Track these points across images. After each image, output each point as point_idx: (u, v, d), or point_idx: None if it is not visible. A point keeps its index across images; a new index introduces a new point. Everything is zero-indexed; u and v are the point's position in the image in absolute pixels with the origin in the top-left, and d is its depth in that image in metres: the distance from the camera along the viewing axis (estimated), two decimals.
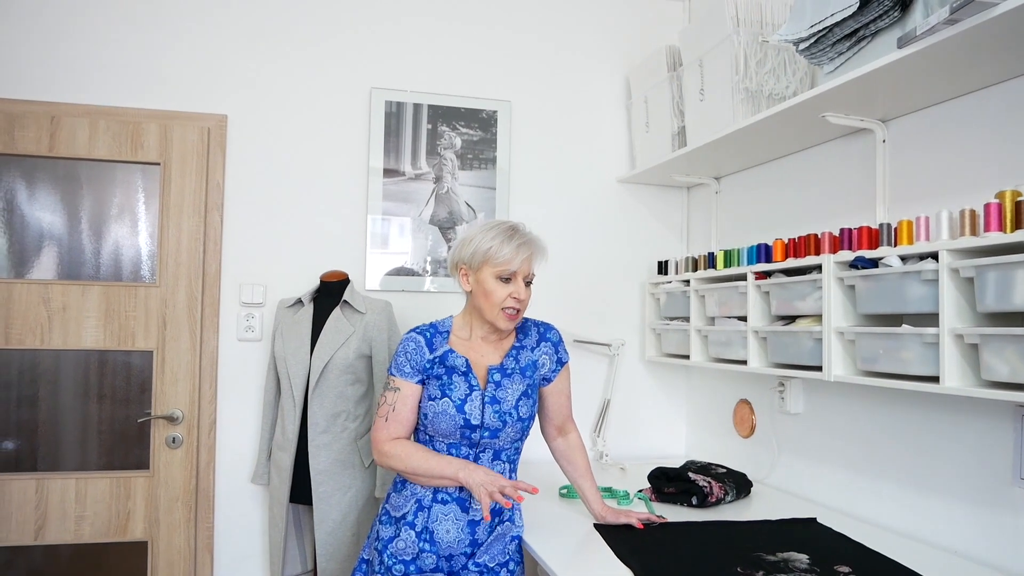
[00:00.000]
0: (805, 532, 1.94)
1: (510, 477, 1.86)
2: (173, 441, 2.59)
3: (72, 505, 2.52)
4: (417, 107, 2.85)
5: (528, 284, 1.81)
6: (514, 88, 2.98)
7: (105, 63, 2.59)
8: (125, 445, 2.59)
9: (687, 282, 2.64)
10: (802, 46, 1.91)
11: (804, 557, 1.72)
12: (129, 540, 2.56)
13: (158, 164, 2.61)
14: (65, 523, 2.51)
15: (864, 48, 1.78)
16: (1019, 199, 1.47)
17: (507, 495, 1.67)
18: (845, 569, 1.64)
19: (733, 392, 2.78)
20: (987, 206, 1.51)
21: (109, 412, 2.58)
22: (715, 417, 2.90)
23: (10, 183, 2.52)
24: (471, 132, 2.90)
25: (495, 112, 2.93)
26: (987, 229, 1.51)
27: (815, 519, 2.06)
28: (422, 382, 1.81)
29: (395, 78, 2.85)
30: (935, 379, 1.60)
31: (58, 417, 2.54)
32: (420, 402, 1.82)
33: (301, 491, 2.38)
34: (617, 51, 3.10)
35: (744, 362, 2.29)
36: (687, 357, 2.65)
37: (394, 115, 2.82)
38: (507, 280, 1.77)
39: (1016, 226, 1.46)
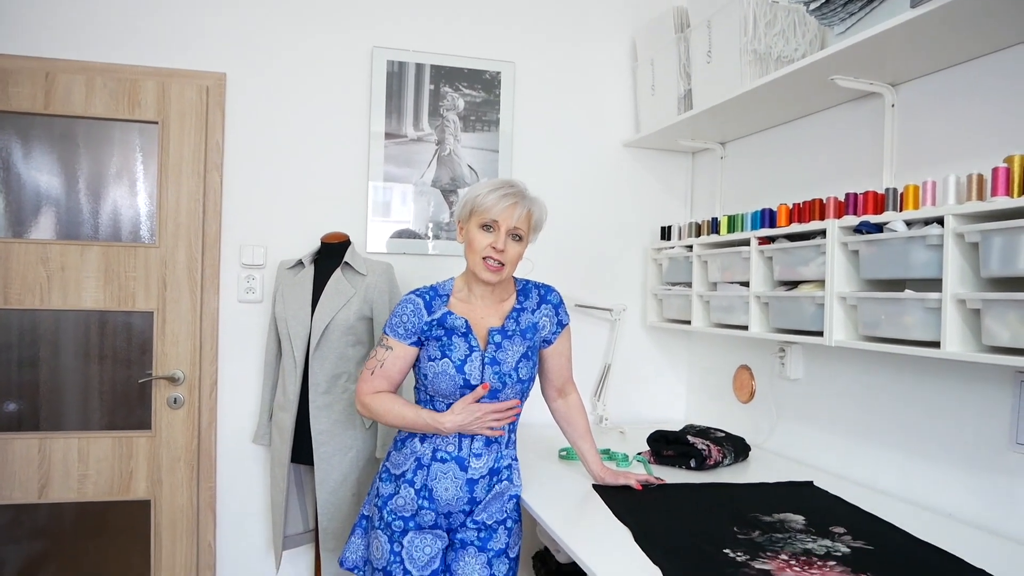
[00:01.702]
0: (801, 495, 1.95)
1: (509, 439, 1.87)
2: (174, 402, 2.60)
3: (75, 464, 2.53)
4: (419, 67, 2.81)
5: (517, 239, 1.79)
6: (518, 49, 2.93)
7: (101, 18, 2.55)
8: (127, 405, 2.60)
9: (690, 247, 2.63)
10: (812, 6, 1.87)
11: (800, 518, 1.73)
12: (132, 499, 2.59)
13: (156, 123, 2.58)
14: (68, 482, 2.53)
15: (876, 8, 1.75)
16: None
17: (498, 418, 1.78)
18: (840, 530, 1.65)
19: (733, 358, 2.78)
20: (995, 171, 1.49)
21: (110, 372, 2.59)
22: (715, 382, 2.91)
23: (5, 141, 2.49)
24: (474, 93, 2.87)
25: (498, 73, 2.89)
26: (995, 194, 1.49)
27: (812, 483, 2.08)
28: (418, 344, 1.81)
29: (397, 37, 2.81)
30: (936, 344, 1.60)
31: (59, 377, 2.55)
32: (419, 363, 1.82)
33: (302, 451, 2.39)
34: (623, 12, 3.05)
35: (745, 327, 2.29)
36: (688, 323, 2.64)
37: (396, 75, 2.79)
38: (489, 229, 1.77)
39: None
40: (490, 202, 1.76)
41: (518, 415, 1.88)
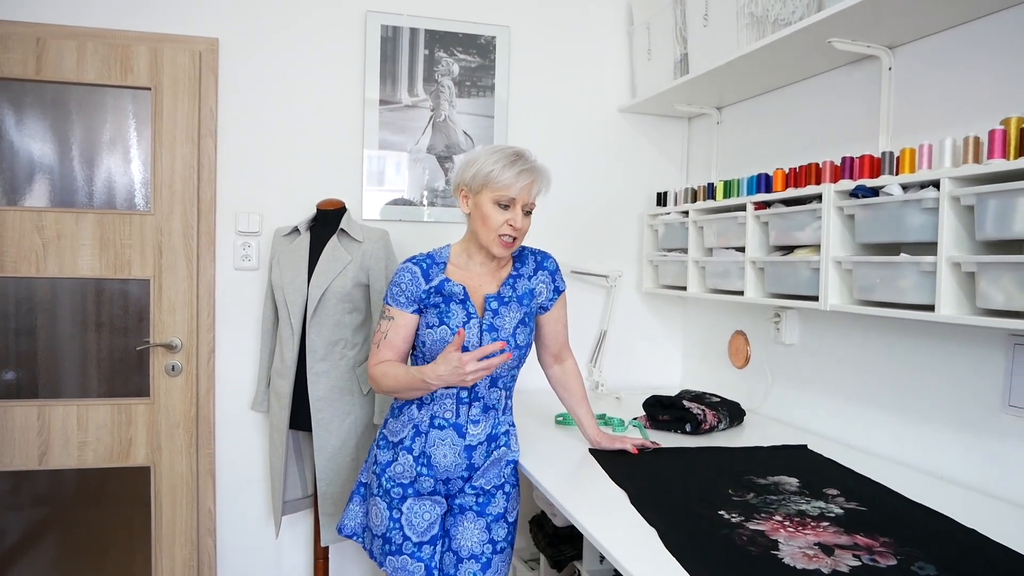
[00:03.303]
0: (796, 458, 1.98)
1: (506, 404, 1.89)
2: (172, 369, 2.61)
3: (74, 431, 2.55)
4: (414, 32, 2.78)
5: (528, 214, 1.78)
6: (513, 13, 2.90)
7: None
8: (125, 373, 2.61)
9: (686, 213, 2.62)
10: None
11: (794, 480, 1.75)
12: (132, 465, 2.61)
13: (149, 89, 2.55)
14: (68, 449, 2.54)
15: None
16: None
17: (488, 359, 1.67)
18: (834, 492, 1.67)
19: (729, 323, 2.79)
20: (991, 133, 1.49)
21: (108, 340, 2.59)
22: (710, 348, 2.93)
23: None
24: (469, 59, 2.84)
25: (493, 38, 2.86)
26: (991, 156, 1.49)
27: (806, 446, 2.10)
28: (418, 311, 1.81)
29: (391, 1, 2.77)
30: (930, 308, 1.60)
31: (57, 345, 2.55)
32: (418, 330, 1.82)
33: (300, 418, 2.41)
34: None
35: (741, 293, 2.30)
36: (684, 288, 2.65)
37: (390, 40, 2.75)
38: (505, 206, 1.74)
39: (1020, 153, 1.44)
40: (508, 179, 1.72)
41: (514, 379, 1.89)
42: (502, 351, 1.69)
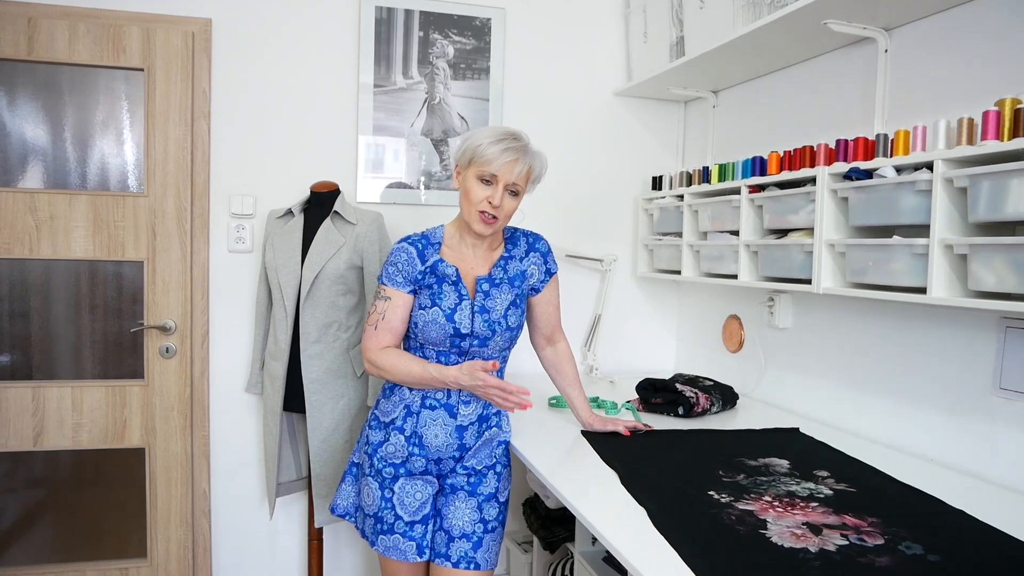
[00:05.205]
0: (787, 440, 1.98)
1: None
2: (167, 351, 2.61)
3: (69, 413, 2.55)
4: (408, 13, 2.76)
5: (514, 195, 1.77)
6: None
7: None
8: (119, 355, 2.61)
9: (681, 197, 2.62)
10: None
11: (785, 462, 1.76)
12: (127, 447, 2.61)
13: (141, 70, 2.53)
14: (63, 430, 2.55)
15: None
16: (1019, 107, 1.44)
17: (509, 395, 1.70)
18: (824, 473, 1.68)
19: (723, 307, 2.79)
20: (985, 114, 1.49)
21: (102, 322, 2.59)
22: (705, 332, 2.93)
23: None
24: (464, 40, 2.82)
25: (489, 20, 2.84)
26: (984, 138, 1.49)
27: (798, 429, 2.11)
28: (413, 292, 1.81)
29: None
30: (922, 290, 1.60)
31: (51, 326, 2.55)
32: (411, 311, 1.82)
33: (294, 400, 2.41)
34: None
35: (735, 276, 2.30)
36: (679, 272, 2.65)
37: (385, 21, 2.74)
38: (488, 183, 1.74)
39: (1014, 134, 1.44)
40: (491, 155, 1.71)
41: (505, 360, 1.90)
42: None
